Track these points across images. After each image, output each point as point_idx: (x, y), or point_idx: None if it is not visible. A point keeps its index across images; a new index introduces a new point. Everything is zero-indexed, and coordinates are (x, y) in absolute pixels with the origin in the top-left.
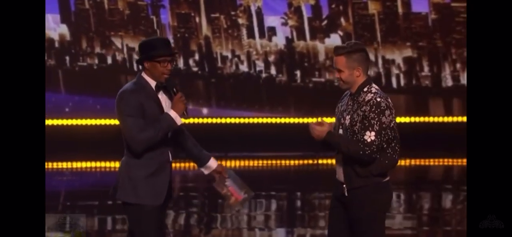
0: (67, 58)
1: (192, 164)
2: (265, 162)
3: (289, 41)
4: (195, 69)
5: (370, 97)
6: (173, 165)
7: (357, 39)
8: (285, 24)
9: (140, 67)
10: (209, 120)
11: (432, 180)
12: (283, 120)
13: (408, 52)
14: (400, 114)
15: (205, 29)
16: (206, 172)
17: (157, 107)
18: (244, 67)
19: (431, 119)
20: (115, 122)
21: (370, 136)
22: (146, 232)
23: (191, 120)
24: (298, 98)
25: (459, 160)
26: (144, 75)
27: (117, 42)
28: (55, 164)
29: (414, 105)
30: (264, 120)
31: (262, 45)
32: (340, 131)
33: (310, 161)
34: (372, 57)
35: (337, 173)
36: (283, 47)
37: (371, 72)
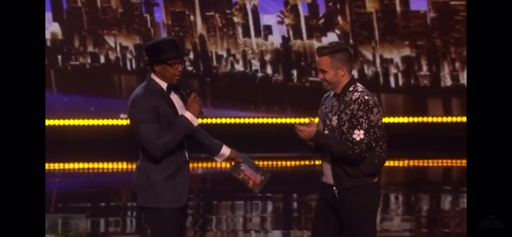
0: (59, 57)
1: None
2: (261, 163)
3: (285, 40)
4: (189, 68)
5: (357, 96)
6: None
7: (355, 38)
8: (281, 22)
9: (149, 68)
10: (204, 121)
11: (431, 181)
12: (279, 120)
13: (407, 51)
14: (398, 114)
15: (200, 28)
16: (219, 160)
17: (170, 109)
18: (239, 67)
19: (429, 119)
20: (108, 122)
21: (359, 134)
22: (169, 236)
23: None
24: (295, 98)
25: (458, 161)
26: (154, 77)
27: (110, 41)
28: (46, 165)
29: (413, 105)
30: (260, 120)
31: (258, 44)
32: (326, 132)
33: (307, 162)
34: (369, 56)
35: (324, 176)
36: (280, 46)
37: (369, 72)
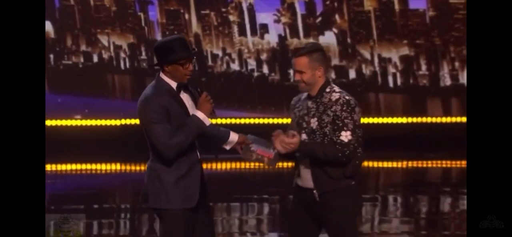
0: (51, 56)
1: None
2: (257, 164)
3: (282, 38)
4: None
5: (337, 96)
6: None
7: (353, 37)
8: (278, 21)
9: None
10: None
11: (430, 182)
12: (276, 121)
13: (405, 50)
14: (397, 114)
15: (195, 27)
16: (228, 147)
17: (181, 108)
18: (235, 66)
19: (429, 119)
20: (102, 122)
21: (346, 135)
22: (176, 236)
23: None
24: (292, 98)
25: (458, 162)
26: (163, 76)
27: (104, 40)
28: None
29: (412, 105)
30: (256, 121)
31: (254, 43)
32: (303, 136)
33: None
34: (367, 55)
35: (301, 179)
36: (276, 45)
37: (367, 71)
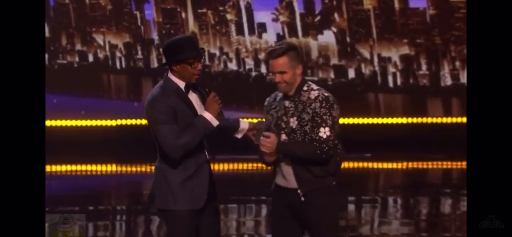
0: (46, 55)
1: None
2: (255, 165)
3: (280, 38)
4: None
5: (316, 94)
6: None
7: (352, 36)
8: (276, 20)
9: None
10: None
11: (430, 183)
12: None
13: (405, 50)
14: (397, 115)
15: (191, 25)
16: (240, 136)
17: (189, 108)
18: (233, 65)
19: (429, 120)
20: (97, 123)
21: (325, 132)
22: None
23: None
24: None
25: (459, 163)
26: (171, 76)
27: (99, 39)
28: None
29: (412, 105)
30: (254, 121)
31: (251, 42)
32: (283, 136)
33: None
34: (367, 54)
35: (283, 180)
36: (274, 44)
37: (366, 71)
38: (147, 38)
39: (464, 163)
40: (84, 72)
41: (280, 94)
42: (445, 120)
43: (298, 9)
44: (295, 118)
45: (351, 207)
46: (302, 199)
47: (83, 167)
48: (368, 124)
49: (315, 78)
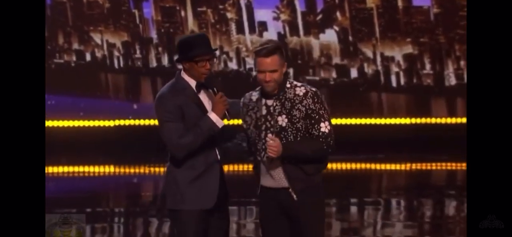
0: None
1: None
2: None
3: (281, 36)
4: (180, 66)
5: (304, 90)
6: (156, 170)
7: (354, 35)
8: (277, 18)
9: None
10: None
11: (434, 185)
12: None
13: (409, 49)
14: (400, 115)
15: (191, 24)
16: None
17: (198, 109)
18: (233, 65)
19: (433, 120)
20: (95, 123)
21: (326, 126)
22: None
23: None
24: None
25: (463, 164)
26: (183, 75)
27: (97, 38)
28: None
29: (415, 105)
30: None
31: (252, 41)
32: (269, 136)
33: None
34: (370, 54)
35: (271, 181)
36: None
37: (369, 70)
38: (145, 37)
39: None
40: (81, 71)
41: (255, 94)
42: (449, 120)
43: (299, 7)
44: (284, 116)
45: (354, 209)
46: (295, 198)
47: (81, 169)
48: (370, 124)
49: (317, 78)
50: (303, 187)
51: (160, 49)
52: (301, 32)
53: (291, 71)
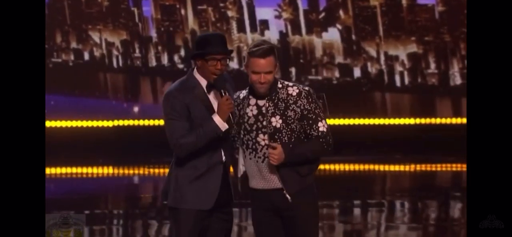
0: None
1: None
2: None
3: (283, 35)
4: (180, 66)
5: (297, 90)
6: (155, 171)
7: (358, 33)
8: (278, 17)
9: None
10: None
11: (439, 187)
12: None
13: (413, 48)
14: (404, 115)
15: (191, 23)
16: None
17: (205, 109)
18: (234, 64)
19: (438, 120)
20: (93, 124)
21: (323, 125)
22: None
23: None
24: None
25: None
26: (195, 73)
27: (95, 37)
28: None
29: (420, 105)
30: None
31: (253, 40)
32: (261, 136)
33: None
34: (373, 53)
35: (263, 182)
36: (277, 42)
37: (373, 69)
38: (145, 35)
39: None
40: (79, 71)
41: (243, 92)
42: (454, 120)
43: (301, 5)
44: (278, 117)
45: (357, 211)
46: (290, 200)
47: (79, 170)
48: (374, 125)
49: (319, 78)
50: (298, 188)
51: (159, 48)
52: (304, 30)
53: (293, 70)
